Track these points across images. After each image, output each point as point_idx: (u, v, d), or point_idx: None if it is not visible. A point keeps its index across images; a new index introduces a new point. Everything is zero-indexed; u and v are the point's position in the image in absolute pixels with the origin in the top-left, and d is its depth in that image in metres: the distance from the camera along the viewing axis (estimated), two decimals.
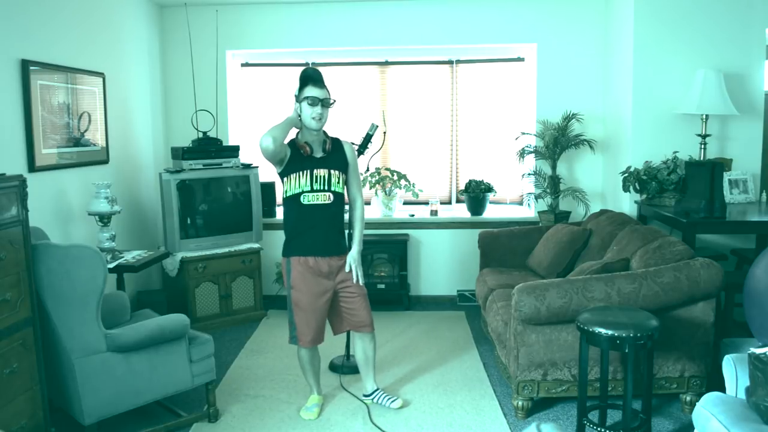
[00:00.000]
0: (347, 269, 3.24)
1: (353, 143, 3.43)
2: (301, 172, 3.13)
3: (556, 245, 4.22)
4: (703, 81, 4.19)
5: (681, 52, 4.42)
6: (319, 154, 3.18)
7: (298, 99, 3.13)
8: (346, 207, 3.34)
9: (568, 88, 5.18)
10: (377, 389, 3.46)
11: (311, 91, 3.08)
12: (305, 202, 3.14)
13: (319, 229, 3.17)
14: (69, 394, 2.85)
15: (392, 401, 3.40)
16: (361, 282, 3.28)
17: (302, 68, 3.22)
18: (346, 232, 3.39)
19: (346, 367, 3.88)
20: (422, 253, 5.43)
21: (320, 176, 3.15)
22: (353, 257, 3.26)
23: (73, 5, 3.97)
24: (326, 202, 3.16)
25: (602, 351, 2.94)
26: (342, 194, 3.22)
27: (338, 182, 3.18)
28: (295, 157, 3.15)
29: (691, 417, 2.55)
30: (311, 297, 3.20)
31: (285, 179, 3.17)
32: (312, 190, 3.13)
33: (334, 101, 3.18)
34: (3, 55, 3.30)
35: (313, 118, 3.09)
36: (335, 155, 3.21)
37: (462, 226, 5.35)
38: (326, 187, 3.15)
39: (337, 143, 3.25)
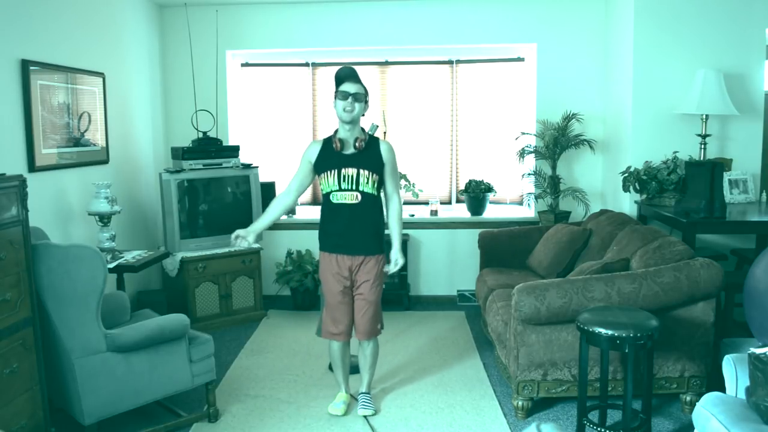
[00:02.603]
0: (392, 268, 3.24)
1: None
2: (329, 171, 3.16)
3: (556, 245, 4.22)
4: (703, 81, 4.19)
5: (681, 52, 4.42)
6: (349, 150, 3.18)
7: (334, 96, 3.17)
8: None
9: (568, 88, 5.18)
10: (363, 393, 3.45)
11: (345, 86, 3.12)
12: (335, 201, 3.18)
13: (345, 228, 3.19)
14: (69, 394, 2.85)
15: (362, 407, 3.34)
16: (393, 269, 3.26)
17: (336, 69, 3.23)
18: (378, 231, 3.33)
19: None
20: (422, 253, 5.43)
21: (348, 175, 3.15)
22: (396, 254, 3.26)
23: (73, 5, 3.97)
24: (353, 201, 3.16)
25: (602, 351, 2.94)
26: (372, 195, 3.18)
27: (367, 182, 3.15)
28: (327, 155, 3.18)
29: (691, 417, 2.56)
30: (333, 293, 3.26)
31: (319, 177, 3.23)
32: (340, 189, 3.16)
33: (367, 100, 3.18)
34: (3, 55, 3.30)
35: (345, 110, 3.11)
36: (368, 154, 3.18)
37: (462, 226, 5.35)
38: (354, 187, 3.15)
39: (373, 142, 3.22)
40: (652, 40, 4.44)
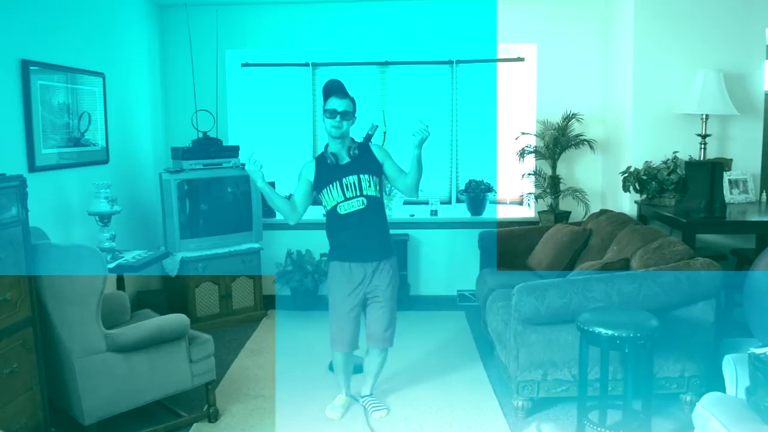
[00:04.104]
0: (420, 136, 3.05)
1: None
2: (331, 185, 3.17)
3: (556, 245, 4.22)
4: (703, 81, 4.20)
5: (681, 52, 4.42)
6: (345, 160, 3.20)
7: (323, 112, 3.19)
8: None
9: (568, 88, 5.18)
10: (369, 395, 3.46)
11: (332, 103, 3.13)
12: (342, 212, 3.17)
13: (356, 236, 3.18)
14: (69, 394, 2.85)
15: (375, 410, 3.35)
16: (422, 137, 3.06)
17: (325, 81, 3.23)
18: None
19: None
20: (422, 253, 5.42)
21: (350, 183, 3.16)
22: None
23: (73, 5, 3.97)
24: (361, 207, 3.16)
25: (602, 351, 2.94)
26: (376, 197, 3.20)
27: (370, 186, 3.17)
28: (324, 170, 3.19)
29: (691, 417, 2.55)
30: (341, 302, 3.23)
31: (321, 195, 3.22)
32: (345, 199, 3.16)
33: (354, 116, 3.19)
34: (3, 55, 3.29)
35: (334, 127, 3.14)
36: (364, 159, 3.19)
37: (462, 226, 5.35)
38: (358, 193, 3.16)
39: (364, 147, 3.23)
40: (653, 40, 4.44)
